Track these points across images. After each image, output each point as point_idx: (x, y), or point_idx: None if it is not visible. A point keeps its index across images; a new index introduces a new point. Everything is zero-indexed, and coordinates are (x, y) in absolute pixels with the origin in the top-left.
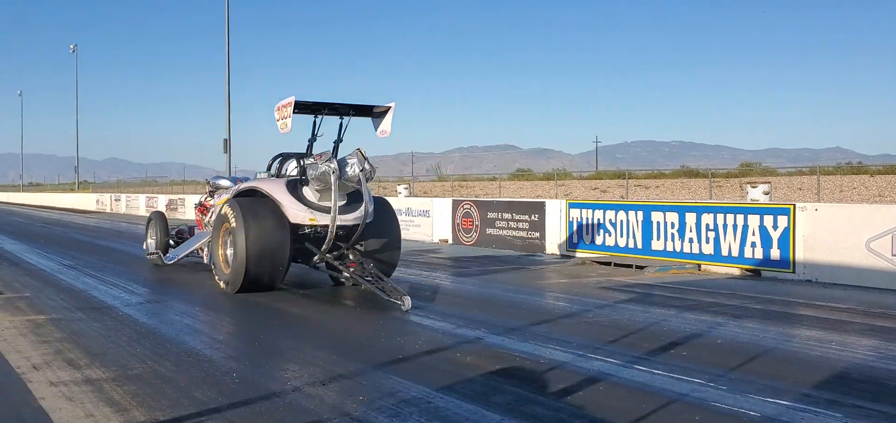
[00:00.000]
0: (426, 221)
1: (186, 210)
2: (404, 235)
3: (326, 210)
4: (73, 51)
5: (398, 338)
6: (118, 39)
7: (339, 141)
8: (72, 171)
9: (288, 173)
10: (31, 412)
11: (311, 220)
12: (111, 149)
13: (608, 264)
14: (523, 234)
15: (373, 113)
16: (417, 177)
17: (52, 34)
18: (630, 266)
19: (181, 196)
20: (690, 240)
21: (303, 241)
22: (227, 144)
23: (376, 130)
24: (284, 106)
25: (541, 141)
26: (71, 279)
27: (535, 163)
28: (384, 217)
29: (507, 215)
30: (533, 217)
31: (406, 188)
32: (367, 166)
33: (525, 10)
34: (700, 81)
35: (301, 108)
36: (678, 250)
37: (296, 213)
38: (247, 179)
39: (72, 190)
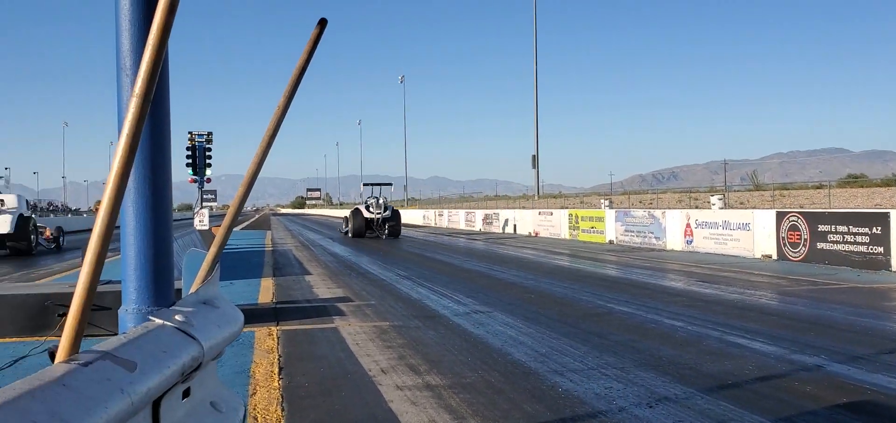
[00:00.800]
0: (746, 234)
1: (500, 224)
2: (721, 249)
3: (372, 214)
4: (402, 81)
5: (725, 362)
6: (439, 68)
7: (381, 192)
8: (401, 189)
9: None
10: (382, 413)
11: (370, 215)
12: (433, 168)
13: None
14: (862, 249)
15: (390, 184)
16: (731, 186)
17: (384, 67)
18: None
19: (495, 211)
20: None
21: (368, 223)
22: (534, 160)
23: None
24: (363, 184)
25: (875, 142)
26: (407, 289)
27: (869, 168)
28: (396, 215)
29: (842, 228)
30: (874, 230)
31: (720, 199)
32: (384, 199)
33: None
34: None
35: (368, 183)
36: None
37: (366, 214)
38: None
39: (402, 207)
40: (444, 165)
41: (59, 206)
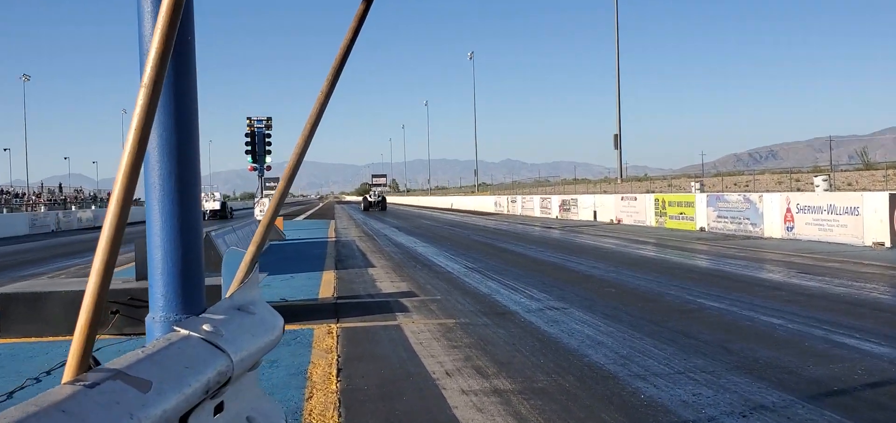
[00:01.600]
0: (854, 220)
1: (578, 211)
2: (825, 236)
3: (371, 199)
4: (471, 57)
5: (831, 365)
6: (511, 45)
7: (377, 188)
8: (471, 174)
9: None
10: (446, 420)
11: (370, 200)
12: (506, 150)
13: None
14: None
15: (382, 179)
16: (837, 165)
17: (452, 46)
18: None
19: (573, 197)
20: None
21: (370, 203)
22: (617, 140)
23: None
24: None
25: None
26: (475, 283)
27: None
28: (383, 199)
29: None
30: None
31: (824, 180)
32: (379, 191)
33: None
34: None
35: (376, 174)
36: None
37: (369, 199)
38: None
39: (472, 193)
40: (517, 147)
41: None
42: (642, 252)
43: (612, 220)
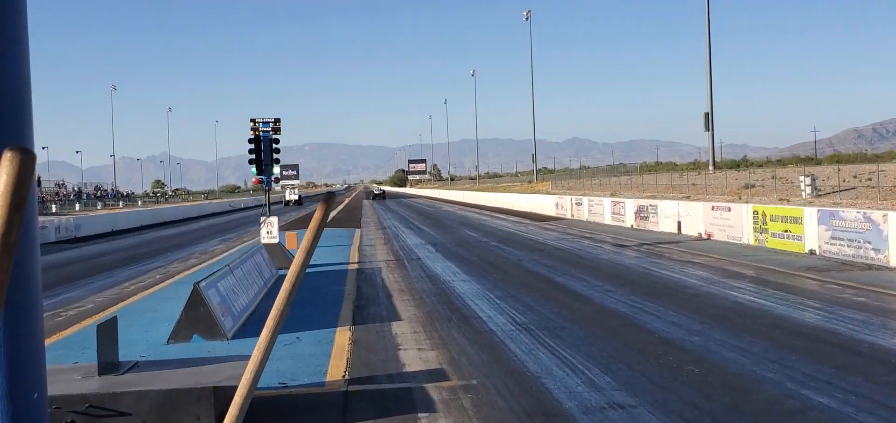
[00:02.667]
0: None
1: (659, 219)
2: None
3: (376, 191)
4: (527, 17)
5: None
6: (575, 4)
7: (382, 186)
8: (528, 156)
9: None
10: None
11: (375, 192)
12: (571, 128)
13: None
14: None
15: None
16: None
17: (503, 10)
18: None
19: (653, 203)
20: None
21: (376, 195)
22: (708, 119)
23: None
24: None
25: None
26: (523, 353)
27: None
28: (383, 193)
29: None
30: None
31: None
32: (380, 187)
33: None
34: None
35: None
36: None
37: (374, 192)
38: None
39: (530, 182)
40: (585, 124)
41: (109, 190)
42: (735, 295)
43: (700, 234)
